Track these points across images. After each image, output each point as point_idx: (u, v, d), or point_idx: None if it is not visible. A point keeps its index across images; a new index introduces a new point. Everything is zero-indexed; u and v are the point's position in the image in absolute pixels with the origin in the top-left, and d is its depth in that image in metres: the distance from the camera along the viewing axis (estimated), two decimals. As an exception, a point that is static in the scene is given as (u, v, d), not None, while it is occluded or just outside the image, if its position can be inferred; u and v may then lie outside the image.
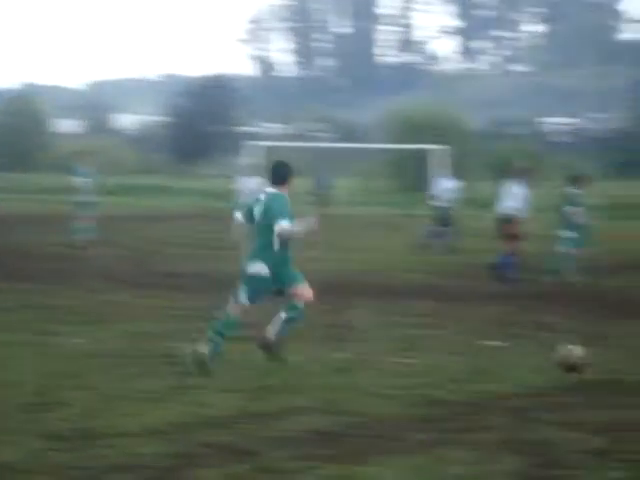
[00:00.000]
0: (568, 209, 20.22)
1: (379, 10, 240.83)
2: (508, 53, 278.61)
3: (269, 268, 10.40)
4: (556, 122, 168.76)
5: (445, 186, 28.14)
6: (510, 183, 21.76)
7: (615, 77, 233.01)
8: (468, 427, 8.46)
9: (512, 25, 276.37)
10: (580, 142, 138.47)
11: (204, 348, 10.21)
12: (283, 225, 10.29)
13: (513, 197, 22.09)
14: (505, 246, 20.03)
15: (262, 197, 10.68)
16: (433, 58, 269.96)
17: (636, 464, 7.34)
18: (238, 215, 11.05)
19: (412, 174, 58.11)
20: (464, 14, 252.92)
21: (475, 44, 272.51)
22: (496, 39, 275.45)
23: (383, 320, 14.50)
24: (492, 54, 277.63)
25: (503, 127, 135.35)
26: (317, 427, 8.25)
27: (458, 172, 31.52)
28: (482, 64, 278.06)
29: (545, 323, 14.38)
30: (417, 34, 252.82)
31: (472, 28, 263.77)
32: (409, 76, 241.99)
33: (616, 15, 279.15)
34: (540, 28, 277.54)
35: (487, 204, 48.63)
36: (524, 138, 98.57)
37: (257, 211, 10.59)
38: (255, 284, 10.49)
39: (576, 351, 10.40)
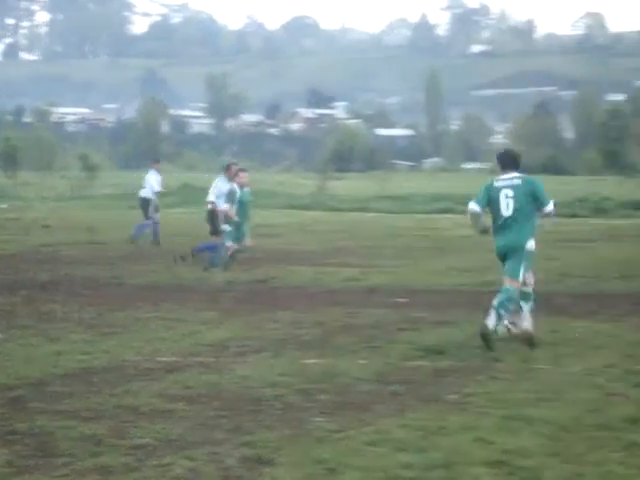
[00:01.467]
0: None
1: None
2: (18, 41, 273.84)
3: None
4: (69, 112, 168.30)
5: (152, 178, 26.75)
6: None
7: (128, 69, 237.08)
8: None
9: (22, 12, 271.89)
10: (94, 132, 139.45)
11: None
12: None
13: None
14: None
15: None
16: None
17: (118, 448, 7.42)
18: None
19: None
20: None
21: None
22: (4, 26, 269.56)
23: None
24: (0, 41, 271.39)
25: (14, 116, 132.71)
26: None
27: None
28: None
29: (46, 313, 14.22)
30: None
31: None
32: None
33: (128, 7, 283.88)
34: (49, 17, 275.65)
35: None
36: (36, 127, 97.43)
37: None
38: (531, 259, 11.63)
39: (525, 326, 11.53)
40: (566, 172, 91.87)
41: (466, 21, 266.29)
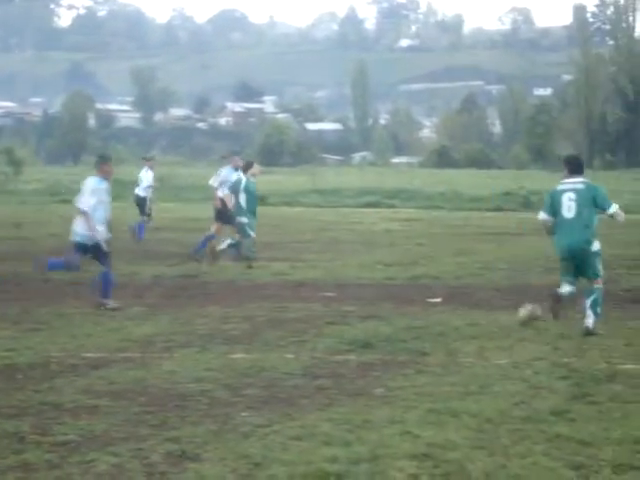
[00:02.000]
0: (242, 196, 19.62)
1: None
2: None
3: None
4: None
5: (147, 175, 26.92)
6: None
7: (54, 62, 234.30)
8: None
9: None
10: (20, 126, 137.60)
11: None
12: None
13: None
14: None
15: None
16: None
17: (41, 445, 7.33)
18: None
19: None
20: None
21: None
22: None
23: None
24: None
25: None
26: None
27: None
28: None
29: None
30: None
31: None
32: None
33: (54, 0, 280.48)
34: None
35: None
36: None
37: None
38: None
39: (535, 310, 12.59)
40: (494, 166, 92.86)
41: (394, 15, 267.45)
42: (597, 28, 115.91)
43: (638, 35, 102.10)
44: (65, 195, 45.53)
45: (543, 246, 23.67)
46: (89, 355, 10.77)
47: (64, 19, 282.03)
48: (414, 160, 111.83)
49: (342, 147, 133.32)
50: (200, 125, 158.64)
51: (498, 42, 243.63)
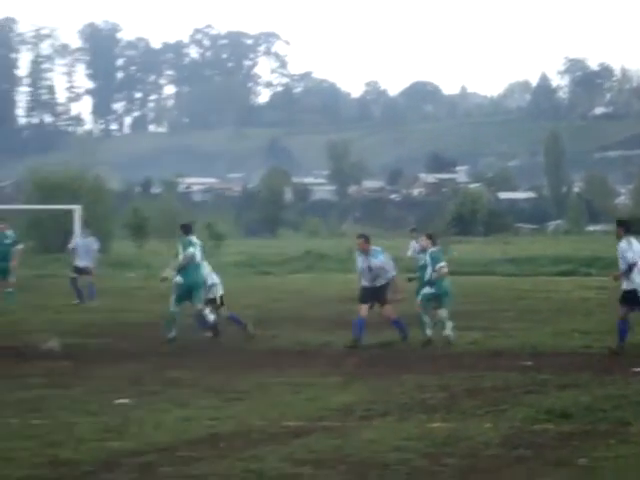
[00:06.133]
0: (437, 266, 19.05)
1: (19, 72, 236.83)
2: (145, 114, 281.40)
3: None
4: (195, 182, 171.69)
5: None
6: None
7: (252, 138, 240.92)
8: (93, 486, 8.34)
9: (149, 86, 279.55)
10: (219, 201, 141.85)
11: None
12: None
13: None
14: None
15: None
16: (73, 119, 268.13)
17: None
18: None
19: (50, 235, 56.87)
20: (99, 75, 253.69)
21: (113, 105, 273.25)
22: (133, 100, 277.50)
23: (9, 382, 14.04)
24: (129, 115, 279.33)
25: (143, 187, 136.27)
26: None
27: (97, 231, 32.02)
28: (120, 125, 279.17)
29: (174, 379, 14.44)
30: (57, 96, 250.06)
31: (109, 89, 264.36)
32: (50, 137, 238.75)
33: (253, 79, 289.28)
34: (175, 90, 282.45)
35: (127, 263, 48.52)
36: (164, 198, 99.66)
37: None
38: None
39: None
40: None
41: (587, 83, 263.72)
42: None
43: None
44: (263, 267, 46.48)
45: None
46: (289, 424, 10.99)
47: (262, 96, 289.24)
48: (609, 228, 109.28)
49: (536, 216, 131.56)
50: (393, 196, 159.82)
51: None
